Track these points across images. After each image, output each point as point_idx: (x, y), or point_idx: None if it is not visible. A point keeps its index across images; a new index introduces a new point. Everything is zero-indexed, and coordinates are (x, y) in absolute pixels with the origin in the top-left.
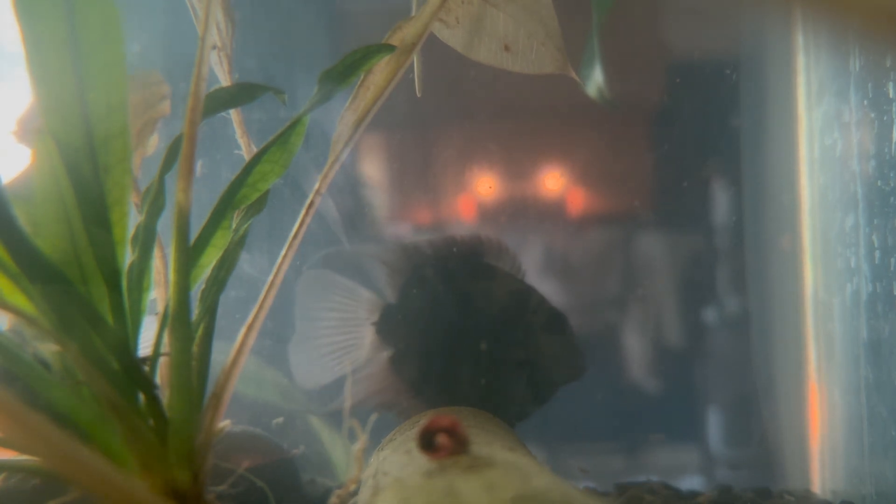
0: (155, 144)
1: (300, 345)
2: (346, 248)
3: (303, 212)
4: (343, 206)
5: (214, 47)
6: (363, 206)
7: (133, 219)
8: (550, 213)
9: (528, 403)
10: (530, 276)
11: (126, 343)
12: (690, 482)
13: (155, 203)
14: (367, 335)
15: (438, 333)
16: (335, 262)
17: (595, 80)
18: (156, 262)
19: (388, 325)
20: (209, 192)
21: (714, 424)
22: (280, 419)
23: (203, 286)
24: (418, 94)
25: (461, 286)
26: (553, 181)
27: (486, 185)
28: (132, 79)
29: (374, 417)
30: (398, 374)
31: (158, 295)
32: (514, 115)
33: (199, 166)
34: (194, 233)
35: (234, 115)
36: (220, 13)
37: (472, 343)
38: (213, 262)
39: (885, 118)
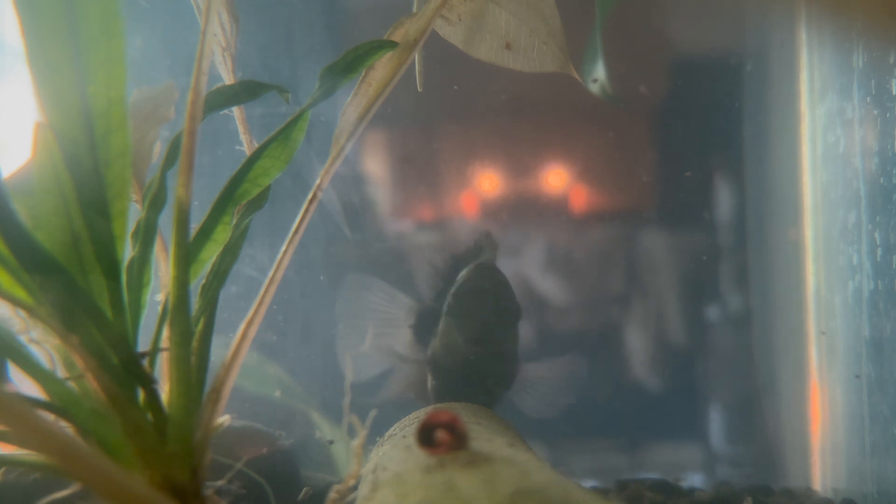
0: (157, 151)
1: (344, 342)
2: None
3: (304, 206)
4: (346, 201)
5: (217, 46)
6: (365, 201)
7: (134, 215)
8: (552, 210)
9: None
10: (531, 273)
11: (125, 337)
12: (691, 479)
13: (156, 198)
14: (405, 337)
15: (456, 336)
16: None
17: (598, 77)
18: (158, 262)
19: (424, 327)
20: (210, 188)
21: (715, 422)
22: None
23: (203, 281)
24: (420, 90)
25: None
26: (555, 178)
27: (488, 182)
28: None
29: (373, 413)
30: (432, 373)
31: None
32: (517, 112)
33: None
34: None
35: (236, 111)
36: (224, 12)
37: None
38: (214, 257)
39: (888, 115)
